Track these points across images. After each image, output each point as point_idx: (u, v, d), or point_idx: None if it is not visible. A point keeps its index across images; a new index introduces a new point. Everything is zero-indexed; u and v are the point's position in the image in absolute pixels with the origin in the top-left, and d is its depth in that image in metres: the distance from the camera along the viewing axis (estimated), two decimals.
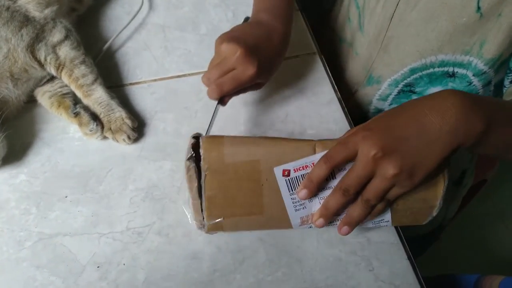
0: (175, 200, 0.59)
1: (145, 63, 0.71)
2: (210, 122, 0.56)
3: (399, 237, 0.57)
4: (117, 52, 0.72)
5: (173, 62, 0.71)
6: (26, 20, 0.62)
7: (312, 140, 0.48)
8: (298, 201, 0.48)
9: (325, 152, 0.46)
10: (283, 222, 0.50)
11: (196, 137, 0.49)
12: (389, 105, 0.75)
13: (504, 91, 0.62)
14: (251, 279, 0.54)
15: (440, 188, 0.48)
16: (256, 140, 0.49)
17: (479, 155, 0.87)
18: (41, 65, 0.62)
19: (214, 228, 0.50)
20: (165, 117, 0.66)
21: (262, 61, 0.54)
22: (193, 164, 0.48)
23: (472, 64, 0.62)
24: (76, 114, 0.62)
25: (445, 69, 0.64)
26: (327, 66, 0.72)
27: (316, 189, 0.46)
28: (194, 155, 0.48)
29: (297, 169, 0.47)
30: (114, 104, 0.63)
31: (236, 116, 0.66)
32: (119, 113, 0.62)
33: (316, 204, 0.48)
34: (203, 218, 0.49)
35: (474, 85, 0.65)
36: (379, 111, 0.77)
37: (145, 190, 0.59)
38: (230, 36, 0.55)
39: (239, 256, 0.55)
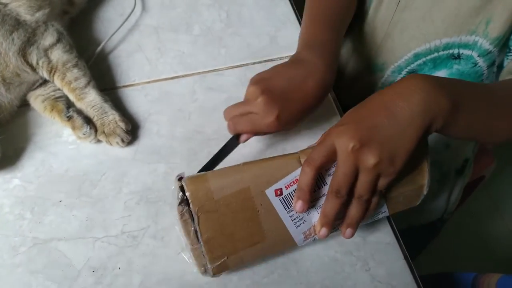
0: (170, 203, 0.58)
1: (138, 65, 0.71)
2: (218, 157, 0.56)
3: (395, 237, 0.57)
4: (110, 55, 0.72)
5: (167, 63, 0.71)
6: (17, 23, 0.61)
7: (296, 153, 0.48)
8: (297, 217, 0.48)
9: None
10: (287, 242, 0.49)
11: (180, 179, 0.47)
12: None
13: (502, 71, 0.62)
14: (247, 281, 0.54)
15: (425, 166, 0.48)
16: (240, 168, 0.47)
17: (479, 148, 0.87)
18: (33, 69, 0.62)
19: (219, 270, 0.48)
20: (159, 120, 0.65)
21: (285, 110, 0.53)
22: (186, 207, 0.46)
23: (478, 44, 0.62)
24: (69, 118, 0.62)
25: (450, 51, 0.64)
26: None
27: (309, 197, 0.45)
28: (185, 198, 0.46)
29: (288, 185, 0.47)
30: (107, 107, 0.63)
31: None
32: (113, 116, 0.62)
33: (315, 215, 0.48)
34: (206, 263, 0.48)
35: (479, 66, 0.64)
36: None
37: (140, 193, 0.59)
38: (260, 78, 0.54)
39: None
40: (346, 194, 0.45)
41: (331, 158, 0.45)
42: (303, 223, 0.48)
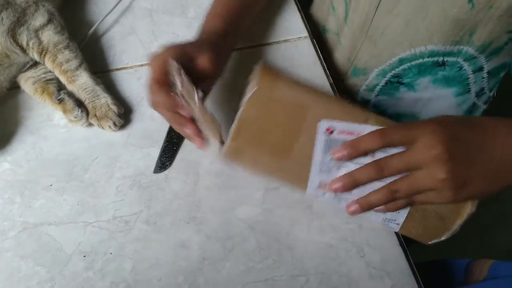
0: (163, 188, 0.57)
1: (132, 48, 0.69)
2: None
3: None
4: (103, 37, 0.70)
5: (161, 46, 0.69)
6: (7, 3, 0.60)
7: (367, 111, 0.45)
8: (327, 164, 0.45)
9: (377, 127, 0.43)
10: (301, 178, 0.47)
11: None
12: (376, 96, 0.74)
13: None
14: (241, 267, 0.53)
15: (464, 214, 0.45)
16: (312, 90, 0.46)
17: None
18: (23, 50, 0.60)
19: (234, 152, 0.46)
20: None
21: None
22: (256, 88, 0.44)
23: (463, 51, 0.61)
24: (60, 101, 0.61)
25: (435, 59, 0.63)
26: (319, 51, 0.71)
27: (355, 157, 0.43)
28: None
29: (342, 131, 0.44)
30: (99, 90, 0.61)
31: (227, 103, 0.64)
32: (105, 99, 0.61)
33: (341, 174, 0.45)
34: (228, 140, 0.46)
35: (464, 69, 0.64)
36: (366, 101, 0.76)
37: (132, 178, 0.58)
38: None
39: (228, 244, 0.54)
40: (387, 175, 0.43)
41: (404, 144, 0.42)
42: (327, 172, 0.46)
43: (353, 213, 0.46)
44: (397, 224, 0.47)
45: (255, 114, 0.45)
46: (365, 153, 0.43)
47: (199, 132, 0.51)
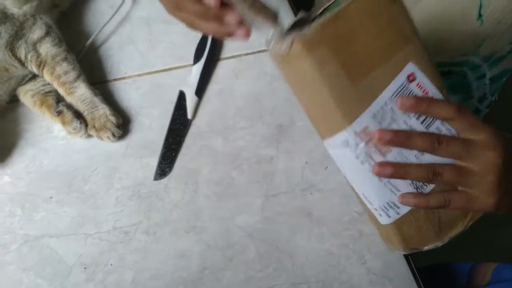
0: (162, 198, 0.58)
1: (129, 58, 0.69)
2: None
3: None
4: (101, 48, 0.70)
5: (158, 55, 0.69)
6: (5, 17, 0.60)
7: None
8: (384, 112, 0.40)
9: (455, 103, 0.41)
10: (349, 114, 0.40)
11: None
12: None
13: None
14: (241, 276, 0.53)
15: (459, 228, 0.45)
16: (416, 29, 0.42)
17: None
18: (22, 64, 0.61)
19: (313, 41, 0.38)
20: (150, 113, 0.64)
21: None
22: None
23: (469, 61, 0.61)
24: (59, 113, 0.61)
25: (441, 69, 0.63)
26: None
27: (421, 113, 0.40)
28: None
29: (421, 86, 0.40)
30: (97, 101, 0.62)
31: (224, 110, 0.64)
32: (103, 110, 0.61)
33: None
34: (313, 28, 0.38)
35: (468, 77, 0.64)
36: None
37: (131, 188, 0.58)
38: None
39: (228, 253, 0.54)
40: (439, 153, 0.41)
41: (471, 130, 0.41)
42: (381, 120, 0.41)
43: (382, 174, 0.41)
44: (397, 214, 0.44)
45: (354, 18, 0.39)
46: (433, 116, 0.41)
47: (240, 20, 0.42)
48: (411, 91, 0.41)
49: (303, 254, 0.54)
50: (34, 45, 0.61)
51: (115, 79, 0.67)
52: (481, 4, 0.53)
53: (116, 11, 0.72)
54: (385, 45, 0.40)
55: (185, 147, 0.61)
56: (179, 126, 0.62)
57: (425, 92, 0.41)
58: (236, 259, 0.54)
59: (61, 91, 0.62)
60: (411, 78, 0.41)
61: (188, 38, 0.71)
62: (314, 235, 0.56)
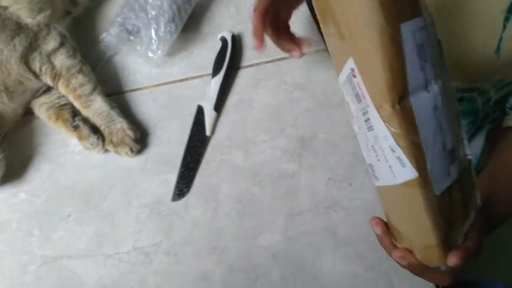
0: (182, 216, 0.56)
1: (146, 68, 0.67)
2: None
3: None
4: (116, 57, 0.68)
5: (175, 65, 0.67)
6: (19, 28, 0.58)
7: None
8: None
9: None
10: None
11: None
12: None
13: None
14: None
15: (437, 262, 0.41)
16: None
17: None
18: (37, 76, 0.59)
19: None
20: (169, 126, 0.62)
21: None
22: None
23: (479, 87, 0.61)
24: (76, 128, 0.59)
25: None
26: None
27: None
28: None
29: (361, 87, 0.36)
30: (114, 114, 0.60)
31: (244, 122, 0.62)
32: (120, 124, 0.59)
33: None
34: None
35: (477, 102, 0.64)
36: None
37: (150, 206, 0.57)
38: None
39: (251, 275, 0.53)
40: None
41: None
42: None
43: None
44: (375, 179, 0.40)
45: None
46: None
47: None
48: (354, 86, 0.37)
49: (328, 277, 0.53)
50: (49, 57, 0.59)
51: (131, 90, 0.65)
52: (501, 38, 0.52)
53: None
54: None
55: (204, 162, 0.59)
56: (197, 143, 0.60)
57: (362, 95, 0.37)
58: (259, 282, 0.52)
59: (76, 104, 0.60)
60: (352, 74, 0.37)
61: (205, 45, 0.69)
62: (339, 255, 0.54)
